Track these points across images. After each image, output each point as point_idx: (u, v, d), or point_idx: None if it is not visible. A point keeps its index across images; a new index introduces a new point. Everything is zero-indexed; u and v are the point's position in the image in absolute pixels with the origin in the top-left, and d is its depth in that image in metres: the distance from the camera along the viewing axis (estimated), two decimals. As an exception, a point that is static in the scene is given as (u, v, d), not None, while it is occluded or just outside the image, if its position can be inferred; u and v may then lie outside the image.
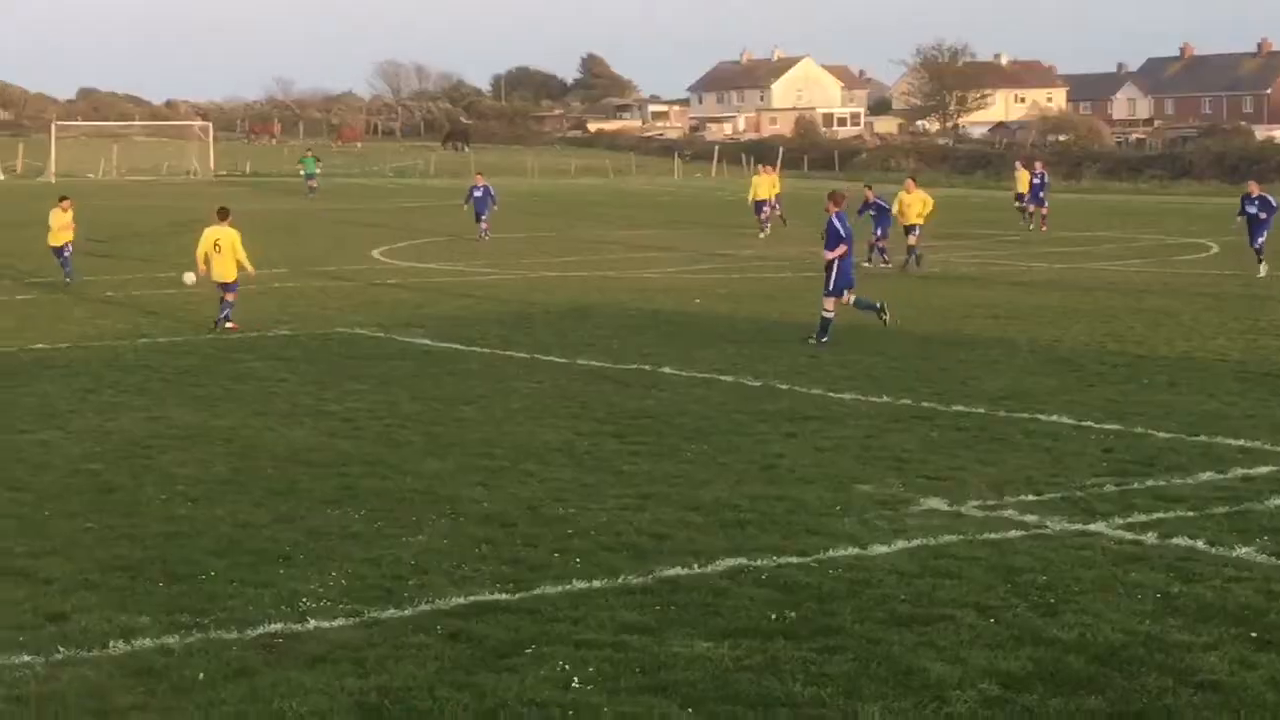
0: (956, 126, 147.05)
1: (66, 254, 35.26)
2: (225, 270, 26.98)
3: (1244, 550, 11.96)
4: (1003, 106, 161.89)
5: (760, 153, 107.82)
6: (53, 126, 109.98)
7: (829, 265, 24.86)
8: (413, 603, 10.63)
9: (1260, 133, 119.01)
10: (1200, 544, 12.15)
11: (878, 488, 14.22)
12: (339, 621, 10.24)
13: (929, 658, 9.44)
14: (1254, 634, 9.91)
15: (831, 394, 19.69)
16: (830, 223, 24.84)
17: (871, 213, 39.35)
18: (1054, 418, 17.79)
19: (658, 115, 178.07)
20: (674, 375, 21.35)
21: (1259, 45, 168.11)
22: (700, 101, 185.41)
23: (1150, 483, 14.40)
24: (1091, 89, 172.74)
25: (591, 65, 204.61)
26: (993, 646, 9.64)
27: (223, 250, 26.90)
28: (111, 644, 9.76)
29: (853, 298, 25.14)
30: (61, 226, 35.06)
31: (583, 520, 12.97)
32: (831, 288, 24.74)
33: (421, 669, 9.29)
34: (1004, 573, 11.32)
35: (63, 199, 36.06)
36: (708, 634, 9.89)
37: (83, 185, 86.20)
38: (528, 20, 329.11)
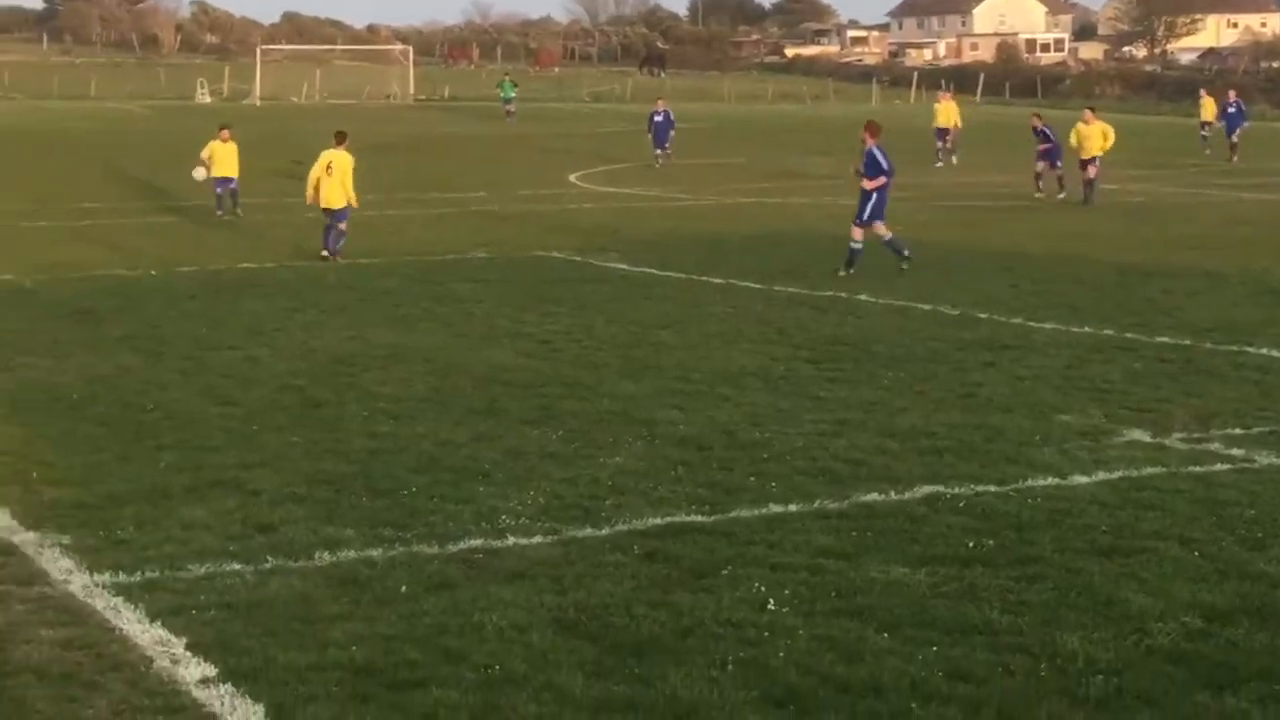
0: (1165, 53, 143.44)
1: (227, 188, 32.88)
2: (333, 196, 26.00)
3: None
4: (1214, 32, 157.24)
5: (961, 79, 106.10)
6: (258, 50, 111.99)
7: (866, 194, 24.19)
8: (610, 522, 10.73)
9: None
10: None
11: (1078, 418, 14.00)
12: (537, 539, 10.37)
13: (1130, 589, 9.29)
14: None
15: (1031, 323, 19.40)
16: (870, 153, 24.16)
17: (1042, 138, 38.23)
18: (1263, 350, 17.35)
19: (856, 41, 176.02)
20: (870, 302, 21.19)
21: None
22: (900, 27, 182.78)
23: (1363, 418, 13.99)
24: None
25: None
26: (1196, 580, 9.46)
27: (334, 174, 26.01)
28: (317, 555, 9.99)
29: (888, 234, 24.32)
30: (223, 157, 32.87)
31: (778, 445, 12.96)
32: (866, 218, 24.11)
33: (618, 587, 9.37)
34: (1209, 506, 11.09)
35: (222, 128, 33.71)
36: (904, 560, 9.85)
37: (286, 109, 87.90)
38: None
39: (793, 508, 11.07)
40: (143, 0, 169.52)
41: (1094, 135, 37.33)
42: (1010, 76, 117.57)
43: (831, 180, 39.49)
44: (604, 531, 10.53)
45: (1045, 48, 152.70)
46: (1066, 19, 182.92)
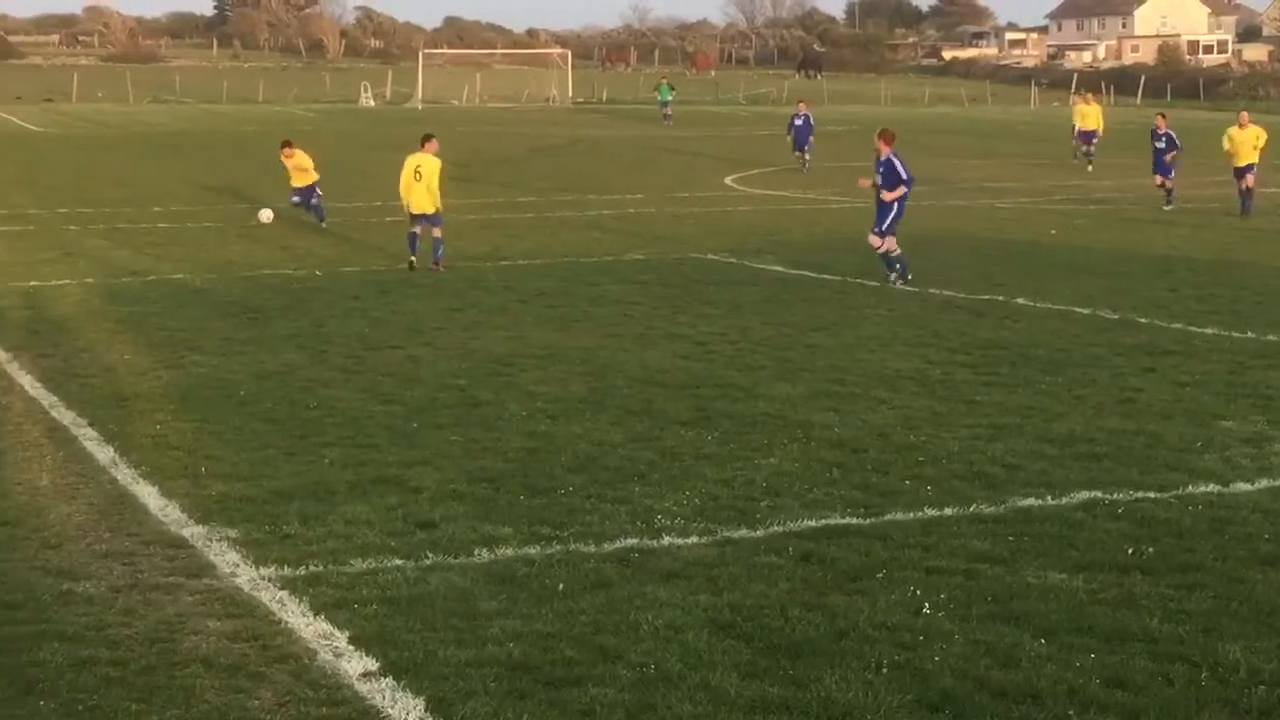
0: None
1: (299, 200, 31.87)
2: (422, 201, 25.09)
3: None
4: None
5: (1121, 81, 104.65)
6: (420, 55, 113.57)
7: (884, 204, 23.11)
8: (765, 524, 10.76)
9: None
10: None
11: (1240, 424, 13.79)
12: (693, 539, 10.43)
13: (1294, 600, 9.15)
14: None
15: (1193, 328, 19.12)
16: (888, 162, 23.00)
17: (1159, 145, 35.81)
18: None
19: (1014, 43, 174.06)
20: (1028, 306, 21.00)
21: None
22: (1059, 29, 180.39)
23: None
24: None
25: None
26: (1362, 591, 9.30)
27: (423, 178, 25.05)
28: (476, 552, 10.14)
29: (896, 250, 23.19)
30: (294, 169, 31.82)
31: (934, 448, 12.92)
32: (885, 228, 23.06)
33: (773, 588, 9.41)
34: (1376, 516, 10.88)
35: (284, 145, 32.40)
36: (1061, 566, 9.78)
37: (447, 111, 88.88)
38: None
39: (948, 511, 11.04)
40: (309, 6, 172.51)
41: (1247, 140, 34.77)
42: (1172, 79, 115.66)
43: (990, 184, 39.13)
44: (759, 533, 10.57)
45: (1208, 49, 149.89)
46: (1230, 20, 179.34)
